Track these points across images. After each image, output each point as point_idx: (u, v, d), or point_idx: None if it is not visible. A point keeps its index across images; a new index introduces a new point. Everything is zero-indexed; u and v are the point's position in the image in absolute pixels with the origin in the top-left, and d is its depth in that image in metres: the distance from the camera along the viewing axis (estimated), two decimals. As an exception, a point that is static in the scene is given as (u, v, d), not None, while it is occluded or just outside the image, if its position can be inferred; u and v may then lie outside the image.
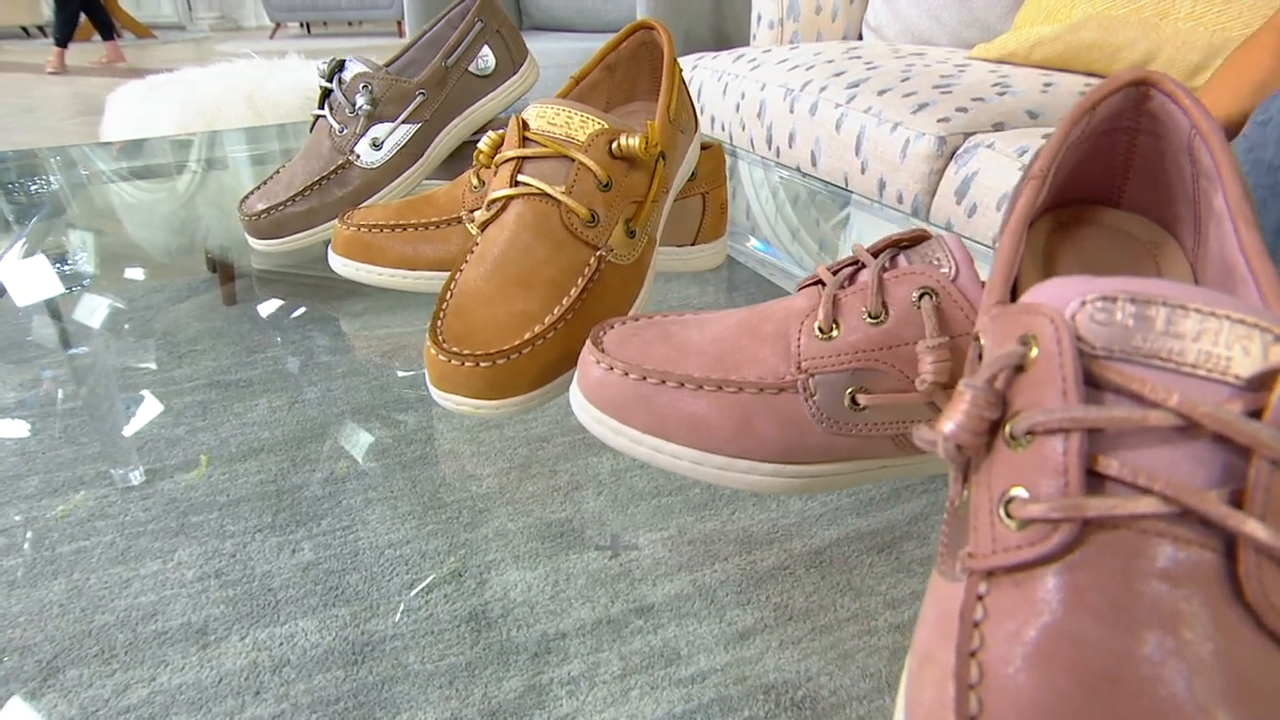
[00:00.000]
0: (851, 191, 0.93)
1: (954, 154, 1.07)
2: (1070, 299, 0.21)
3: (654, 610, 0.36)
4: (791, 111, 1.35)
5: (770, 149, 1.41)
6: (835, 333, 0.33)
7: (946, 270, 0.33)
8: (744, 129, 1.48)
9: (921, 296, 0.32)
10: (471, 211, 0.55)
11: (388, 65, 0.70)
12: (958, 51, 1.45)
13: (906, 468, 0.36)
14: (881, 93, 1.20)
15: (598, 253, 0.44)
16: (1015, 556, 0.20)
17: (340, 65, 0.68)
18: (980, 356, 0.25)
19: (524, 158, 0.44)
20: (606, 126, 0.44)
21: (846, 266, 0.36)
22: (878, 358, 0.33)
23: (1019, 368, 0.22)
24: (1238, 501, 0.19)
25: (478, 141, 0.74)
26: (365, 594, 0.37)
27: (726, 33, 2.05)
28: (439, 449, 0.48)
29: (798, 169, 1.34)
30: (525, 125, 0.45)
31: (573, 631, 0.35)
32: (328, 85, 0.68)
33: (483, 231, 0.45)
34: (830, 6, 1.69)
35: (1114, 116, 0.30)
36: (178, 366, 0.55)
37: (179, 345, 0.58)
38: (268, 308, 0.64)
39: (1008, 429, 0.21)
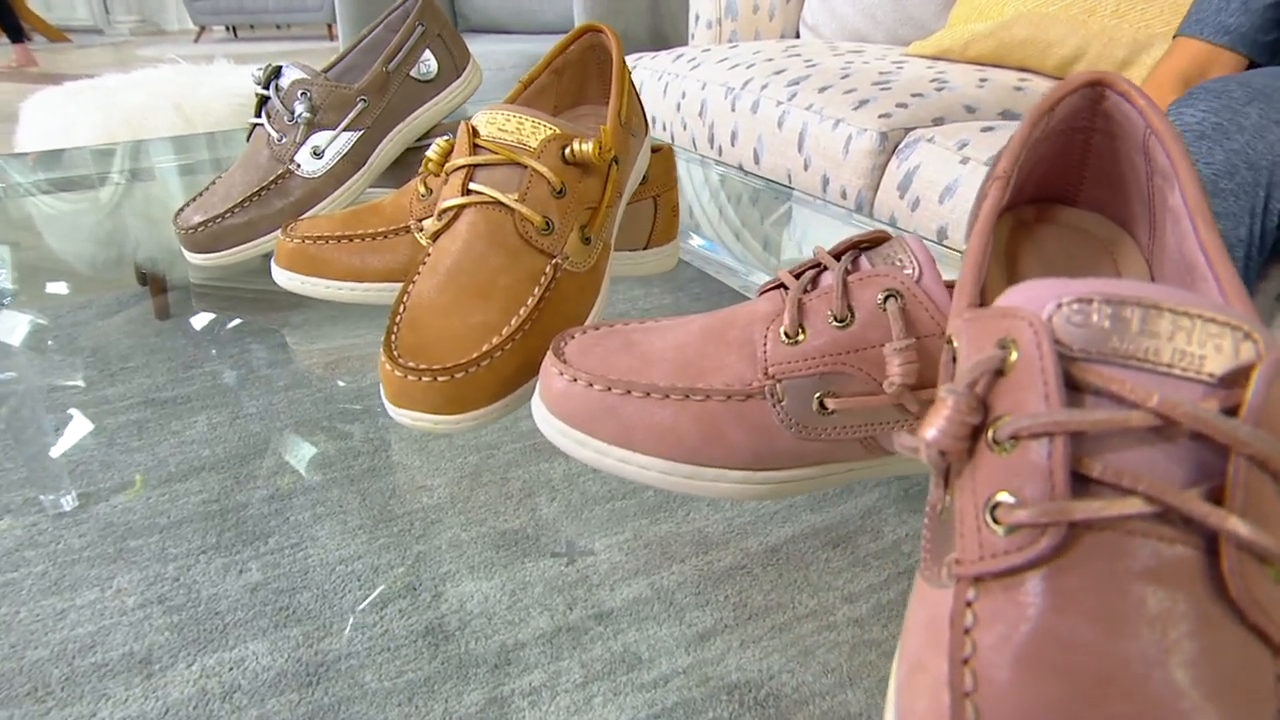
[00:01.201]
0: (792, 189, 0.94)
1: (895, 149, 1.09)
2: (1046, 301, 0.21)
3: (613, 615, 0.36)
4: (733, 110, 1.35)
5: (712, 148, 1.42)
6: (801, 337, 0.33)
7: (910, 271, 0.33)
8: (685, 128, 1.49)
9: (887, 298, 0.32)
10: (420, 221, 0.54)
11: (325, 71, 0.68)
12: (894, 49, 1.48)
13: (874, 470, 0.36)
14: (822, 90, 1.21)
15: (553, 260, 0.43)
16: (1003, 562, 0.20)
17: (276, 71, 0.66)
18: (954, 359, 0.25)
19: (475, 165, 0.43)
20: (559, 132, 0.43)
21: (808, 269, 0.36)
22: (845, 361, 0.32)
23: (998, 372, 0.22)
24: (1217, 498, 0.19)
25: (422, 149, 0.73)
26: (317, 613, 0.35)
27: (663, 32, 2.05)
28: (388, 461, 0.47)
29: (740, 167, 1.35)
30: (475, 132, 0.44)
31: (532, 640, 0.34)
32: (264, 92, 0.66)
33: (434, 242, 0.44)
34: (767, 6, 1.71)
35: (1071, 116, 0.31)
36: (109, 385, 0.53)
37: (110, 362, 0.56)
38: (203, 321, 0.62)
39: (990, 434, 0.21)
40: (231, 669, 0.33)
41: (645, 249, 0.60)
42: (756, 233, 0.81)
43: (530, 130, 0.43)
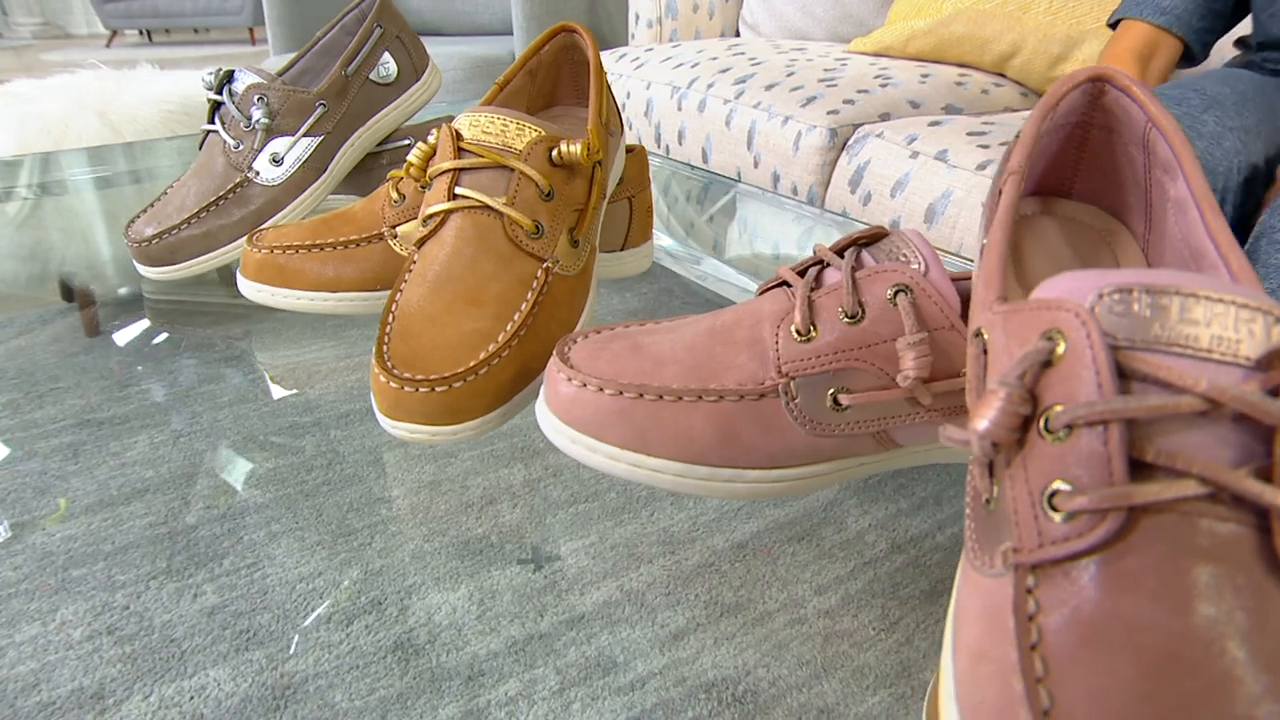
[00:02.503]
0: (738, 181, 0.94)
1: (845, 145, 1.10)
2: (1087, 293, 0.22)
3: (585, 620, 0.36)
4: (680, 109, 1.35)
5: (659, 147, 1.42)
6: (813, 334, 0.33)
7: (917, 266, 0.33)
8: (631, 128, 1.49)
9: (896, 293, 0.33)
10: (394, 227, 0.53)
11: (280, 75, 0.66)
12: (835, 46, 1.50)
13: (884, 463, 0.36)
14: (769, 88, 1.22)
15: (544, 264, 0.42)
16: (1064, 548, 0.20)
17: (229, 76, 0.63)
18: (985, 351, 0.25)
19: (461, 169, 0.42)
20: (544, 134, 0.43)
21: (811, 266, 0.36)
22: (857, 357, 0.33)
23: (1045, 363, 0.22)
24: (1266, 476, 0.20)
25: (382, 154, 0.71)
26: (280, 634, 0.34)
27: (602, 32, 2.05)
28: (342, 474, 0.46)
29: (689, 165, 1.35)
30: (458, 135, 0.43)
31: (505, 650, 0.34)
32: (217, 98, 0.63)
33: (419, 248, 0.43)
34: (707, 4, 1.72)
35: (1069, 111, 0.31)
36: (38, 407, 0.50)
37: (38, 383, 0.53)
38: (137, 337, 0.59)
39: (1042, 423, 0.22)
40: (192, 698, 0.31)
41: (622, 250, 0.60)
42: (711, 227, 0.81)
43: (515, 132, 0.43)
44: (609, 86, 0.51)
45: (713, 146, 1.30)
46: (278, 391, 0.52)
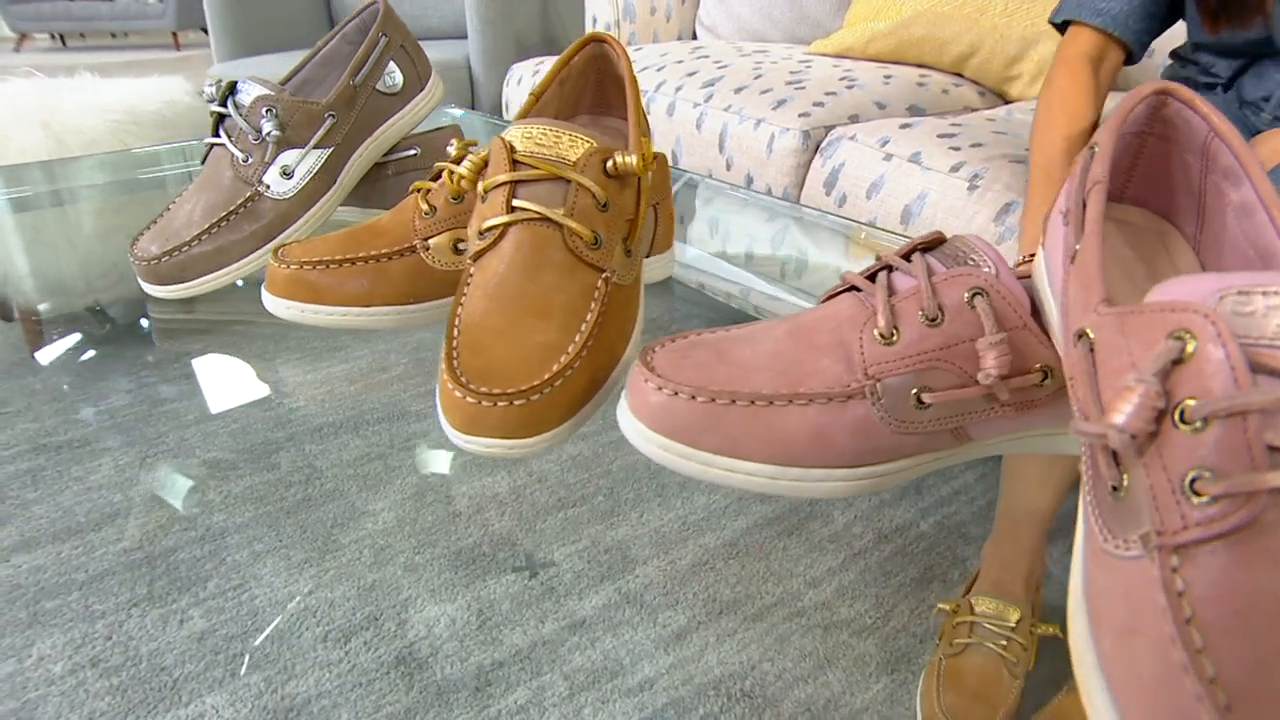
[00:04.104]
0: (707, 177, 0.96)
1: (818, 147, 1.13)
2: (1208, 295, 0.24)
3: (586, 624, 0.36)
4: (648, 113, 1.37)
5: (629, 150, 1.43)
6: (896, 338, 0.35)
7: (989, 269, 0.35)
8: (598, 132, 1.49)
9: (974, 296, 0.34)
10: (426, 239, 0.52)
11: (282, 85, 0.65)
12: (795, 48, 1.53)
13: (957, 456, 0.38)
14: (738, 90, 1.24)
15: (604, 274, 0.43)
16: (1208, 530, 0.22)
17: (233, 88, 0.62)
18: (1091, 350, 0.27)
19: (517, 181, 0.43)
20: (597, 145, 0.43)
21: (879, 271, 0.38)
22: (939, 357, 0.34)
23: (1175, 360, 0.24)
24: None
25: (387, 164, 0.71)
26: (276, 655, 0.33)
27: (554, 36, 2.05)
28: (322, 489, 0.45)
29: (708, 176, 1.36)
30: (512, 148, 0.43)
31: (509, 659, 0.34)
32: (221, 110, 0.62)
33: (476, 261, 0.43)
34: (664, 7, 1.73)
35: (1131, 122, 0.33)
36: None
37: None
38: (88, 355, 0.57)
39: (1177, 415, 0.23)
40: (191, 727, 0.30)
41: (648, 257, 0.61)
42: (695, 228, 0.82)
43: (569, 144, 0.43)
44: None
45: (683, 149, 1.31)
46: (245, 407, 0.51)
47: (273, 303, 0.53)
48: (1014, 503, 0.74)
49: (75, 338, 0.60)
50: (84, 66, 1.78)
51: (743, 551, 0.46)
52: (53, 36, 5.82)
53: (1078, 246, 0.30)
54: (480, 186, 0.44)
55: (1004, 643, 0.60)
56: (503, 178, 0.43)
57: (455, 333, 0.41)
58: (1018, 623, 0.61)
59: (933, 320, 0.35)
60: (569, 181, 0.42)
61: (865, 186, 1.05)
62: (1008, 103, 1.33)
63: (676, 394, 0.35)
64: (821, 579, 0.46)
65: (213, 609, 0.35)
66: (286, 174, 0.61)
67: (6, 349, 0.59)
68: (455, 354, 0.40)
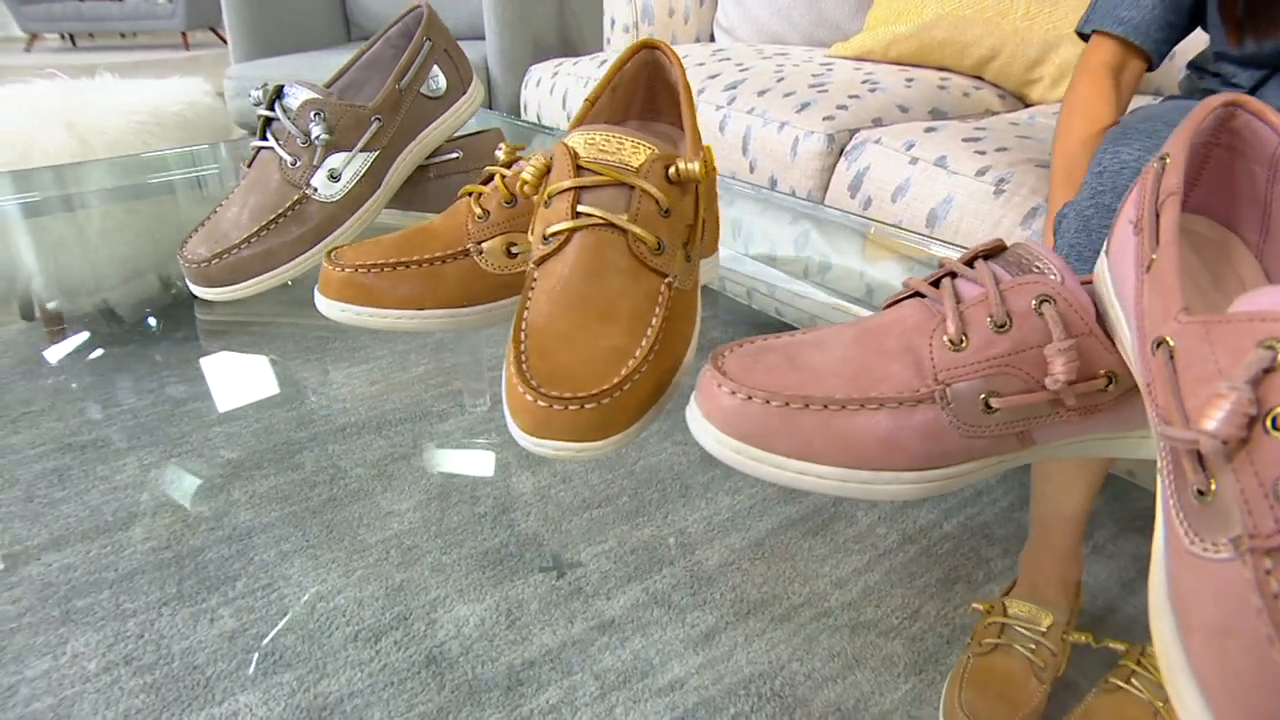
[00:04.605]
0: (731, 179, 0.96)
1: (843, 150, 1.14)
2: None
3: (615, 624, 0.36)
4: (669, 115, 1.37)
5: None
6: (965, 344, 0.35)
7: (1055, 277, 0.36)
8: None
9: (1041, 303, 0.35)
10: (479, 243, 0.53)
11: (327, 88, 0.66)
12: (815, 50, 1.54)
13: (1021, 458, 0.39)
14: (761, 93, 1.25)
15: (666, 279, 0.44)
16: None
17: (279, 91, 0.63)
18: (1171, 357, 0.28)
19: (581, 187, 0.43)
20: (659, 151, 0.44)
21: (942, 278, 0.39)
22: (1008, 363, 0.35)
23: (1266, 369, 0.24)
24: None
25: (429, 167, 0.71)
26: (307, 654, 0.34)
27: (570, 38, 2.06)
28: (347, 489, 0.45)
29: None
30: (575, 154, 0.44)
31: (540, 659, 0.34)
32: (268, 114, 0.63)
33: (539, 266, 0.44)
34: (682, 9, 1.74)
35: (1199, 133, 0.34)
36: (13, 433, 0.48)
37: (8, 408, 0.51)
38: (109, 355, 0.57)
39: (1269, 422, 0.24)
40: (226, 726, 0.30)
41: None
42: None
43: (631, 150, 0.44)
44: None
45: (705, 151, 1.32)
46: (267, 407, 0.51)
47: (327, 305, 0.54)
48: (1044, 508, 0.75)
49: (96, 337, 0.60)
50: (98, 67, 1.79)
51: (769, 552, 0.46)
52: (62, 37, 5.84)
53: (1154, 256, 0.31)
54: (544, 192, 0.45)
55: (1033, 646, 0.61)
56: (567, 184, 0.43)
57: (522, 337, 0.41)
58: (1049, 628, 0.62)
59: (1001, 327, 0.35)
60: (632, 188, 0.43)
61: (890, 190, 1.06)
62: (1028, 106, 1.34)
63: (751, 398, 0.36)
64: (847, 579, 0.46)
65: (242, 608, 0.36)
66: (334, 177, 0.62)
67: (28, 348, 0.60)
68: (524, 358, 0.40)
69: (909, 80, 1.27)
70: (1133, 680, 0.56)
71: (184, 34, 5.35)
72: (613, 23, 1.79)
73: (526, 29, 1.86)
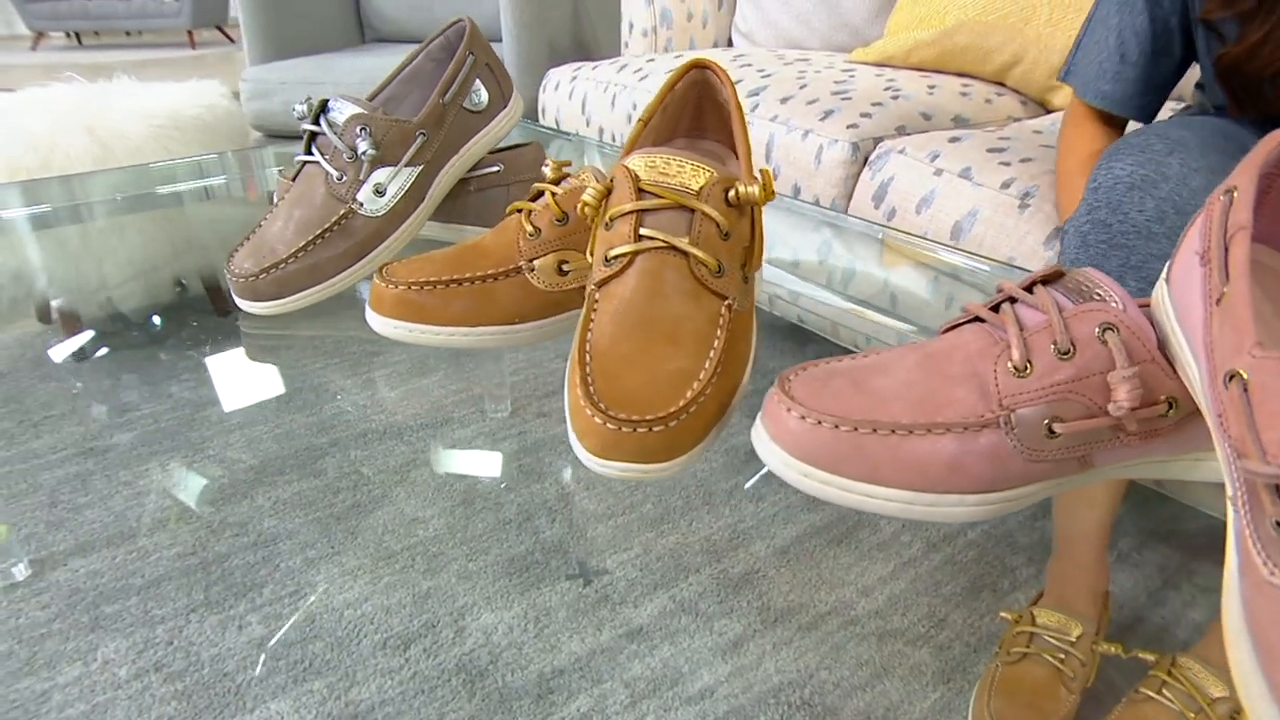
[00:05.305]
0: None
1: (867, 159, 1.14)
2: None
3: (643, 632, 0.36)
4: (690, 121, 1.38)
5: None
6: (1029, 370, 0.36)
7: (1117, 305, 0.36)
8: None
9: (1105, 331, 0.36)
10: (531, 261, 0.54)
11: (370, 102, 0.67)
12: (835, 56, 1.54)
13: (1079, 481, 0.39)
14: (784, 100, 1.26)
15: (726, 302, 0.44)
16: None
17: (324, 106, 0.64)
18: (1245, 389, 0.29)
19: (643, 210, 0.44)
20: (718, 175, 0.45)
21: (1002, 303, 0.39)
22: (1071, 389, 0.36)
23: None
24: None
25: (469, 180, 0.72)
26: (337, 662, 0.34)
27: (585, 41, 2.06)
28: (370, 495, 0.46)
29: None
30: (636, 177, 0.45)
31: (569, 667, 0.34)
32: (313, 128, 0.63)
33: (600, 288, 0.45)
34: (700, 13, 1.75)
35: (1264, 164, 0.35)
36: (35, 437, 0.49)
37: (30, 412, 0.51)
38: (125, 359, 0.57)
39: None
40: (258, 733, 0.29)
41: (737, 277, 0.62)
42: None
43: (691, 174, 0.45)
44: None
45: (726, 158, 1.32)
46: (286, 412, 0.51)
47: (379, 322, 0.55)
48: (1066, 520, 0.75)
49: (112, 340, 0.61)
50: (106, 66, 1.79)
51: (794, 559, 0.47)
52: (68, 35, 5.84)
53: (1225, 289, 0.31)
54: (604, 214, 0.45)
55: (1062, 656, 0.61)
56: (629, 207, 0.44)
57: (587, 359, 0.42)
58: (1079, 638, 0.63)
59: (1065, 354, 0.36)
60: (693, 211, 0.44)
61: (915, 201, 1.07)
62: (1049, 112, 1.34)
63: (820, 423, 0.36)
64: (873, 587, 0.47)
65: (270, 615, 0.36)
66: (379, 192, 0.63)
67: (50, 350, 0.60)
68: (590, 380, 0.41)
69: (931, 87, 1.27)
70: (1164, 691, 0.57)
71: (190, 33, 5.36)
72: (630, 26, 1.80)
73: (543, 32, 1.87)
